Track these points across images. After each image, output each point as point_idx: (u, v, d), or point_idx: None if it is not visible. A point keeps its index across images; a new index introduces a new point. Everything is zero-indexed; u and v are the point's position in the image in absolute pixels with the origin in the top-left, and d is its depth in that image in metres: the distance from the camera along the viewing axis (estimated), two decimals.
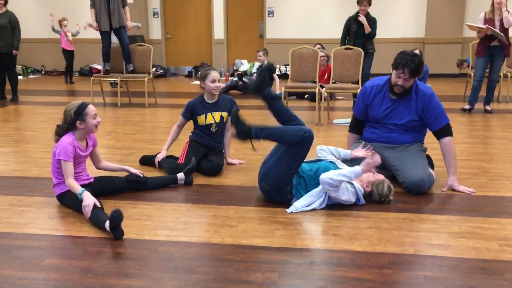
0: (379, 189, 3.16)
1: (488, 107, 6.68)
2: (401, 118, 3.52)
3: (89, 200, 2.89)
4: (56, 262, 2.43)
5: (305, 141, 3.07)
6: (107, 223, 2.72)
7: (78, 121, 3.09)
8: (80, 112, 3.09)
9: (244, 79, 8.90)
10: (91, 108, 3.14)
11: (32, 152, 4.61)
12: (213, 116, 4.01)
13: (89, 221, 2.89)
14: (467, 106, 6.66)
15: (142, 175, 3.44)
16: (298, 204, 3.08)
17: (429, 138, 3.76)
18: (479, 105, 6.79)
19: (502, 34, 6.17)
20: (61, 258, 2.47)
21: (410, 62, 3.27)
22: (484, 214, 3.01)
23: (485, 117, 6.36)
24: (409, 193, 3.40)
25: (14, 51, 7.63)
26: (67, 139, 3.09)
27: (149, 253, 2.52)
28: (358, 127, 3.79)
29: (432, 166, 3.76)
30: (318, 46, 8.79)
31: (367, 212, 3.05)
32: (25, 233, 2.77)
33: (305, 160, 3.25)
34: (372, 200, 3.19)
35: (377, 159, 3.14)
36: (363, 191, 3.15)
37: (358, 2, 6.79)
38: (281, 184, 3.13)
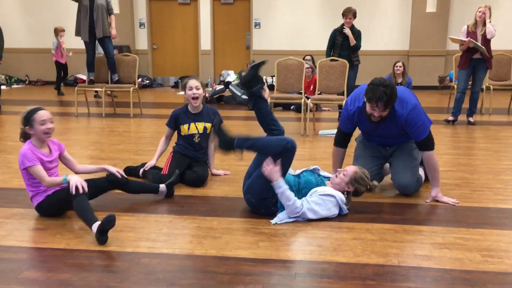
0: (360, 181, 3.17)
1: (471, 119, 6.76)
2: (390, 132, 3.56)
3: (75, 178, 2.94)
4: (35, 275, 2.37)
5: (288, 151, 3.07)
6: (95, 225, 2.71)
7: (27, 127, 3.03)
8: (28, 117, 3.03)
9: (230, 87, 8.87)
10: (39, 114, 3.03)
11: (13, 163, 4.53)
12: (196, 126, 3.99)
13: (76, 207, 2.89)
14: (450, 118, 6.74)
15: (120, 175, 3.31)
16: (282, 216, 3.07)
17: None
18: (462, 117, 6.87)
19: (483, 47, 6.27)
20: (40, 271, 2.42)
21: (382, 95, 3.13)
22: (467, 225, 3.03)
23: (468, 128, 6.43)
24: (395, 200, 3.41)
25: None
26: (24, 146, 3.04)
27: (130, 265, 2.48)
28: (343, 140, 3.74)
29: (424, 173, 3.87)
30: (308, 57, 8.83)
31: (351, 223, 3.05)
32: (3, 246, 2.71)
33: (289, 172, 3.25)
34: (360, 193, 3.24)
35: (272, 168, 3.03)
36: (344, 199, 3.14)
37: (343, 15, 6.86)
38: (266, 196, 3.11)
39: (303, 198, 3.09)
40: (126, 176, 3.41)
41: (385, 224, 3.03)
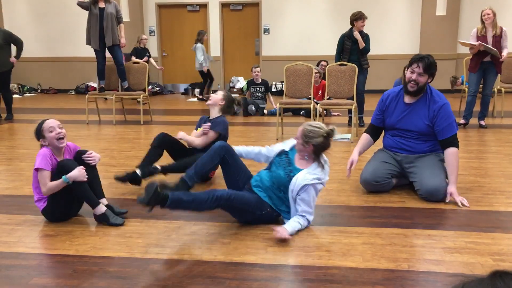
0: (311, 134, 2.98)
1: (482, 122, 6.69)
2: (415, 125, 3.62)
3: (75, 173, 2.98)
4: (45, 281, 2.39)
5: (229, 198, 2.91)
6: (99, 207, 3.06)
7: (40, 140, 3.12)
8: (38, 131, 3.12)
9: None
10: (46, 123, 3.10)
11: (25, 170, 4.58)
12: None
13: (81, 193, 3.06)
14: (462, 121, 6.68)
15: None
16: (290, 228, 2.92)
17: None
18: (474, 120, 6.80)
19: (494, 49, 6.21)
20: (49, 277, 2.43)
21: (425, 57, 3.52)
22: (478, 229, 2.99)
23: (480, 132, 6.37)
24: (405, 205, 3.38)
25: (13, 59, 7.59)
26: (44, 149, 3.10)
27: (139, 271, 2.48)
28: (373, 132, 3.91)
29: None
30: (324, 63, 8.76)
31: (360, 228, 3.03)
32: (14, 252, 2.73)
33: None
34: (327, 146, 3.04)
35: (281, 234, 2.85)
36: (315, 175, 2.99)
37: (357, 19, 6.82)
38: (255, 217, 3.05)
39: (297, 214, 2.99)
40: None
41: (394, 229, 3.01)
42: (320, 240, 2.86)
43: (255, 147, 3.38)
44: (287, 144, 3.26)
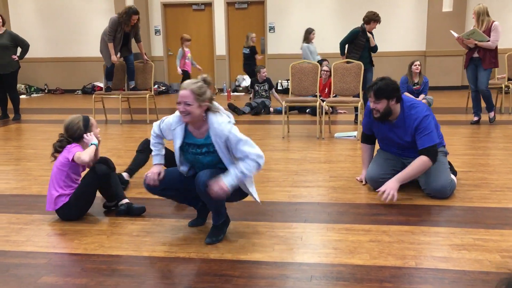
0: (201, 90, 2.72)
1: (491, 114, 6.63)
2: (401, 139, 3.59)
3: (93, 138, 3.26)
4: (53, 280, 2.40)
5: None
6: (124, 201, 3.30)
7: (85, 133, 3.26)
8: (87, 124, 3.29)
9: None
10: (92, 120, 3.36)
11: (33, 170, 4.61)
12: None
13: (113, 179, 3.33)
14: (475, 118, 6.63)
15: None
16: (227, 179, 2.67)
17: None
18: (485, 116, 6.75)
19: (480, 33, 6.17)
20: (58, 275, 2.45)
21: (373, 85, 3.44)
22: (486, 226, 2.97)
23: (488, 128, 6.32)
24: (412, 202, 3.38)
25: (15, 56, 7.62)
26: (73, 145, 3.23)
27: (146, 269, 2.49)
28: (368, 139, 3.92)
29: (454, 172, 3.86)
30: (326, 62, 8.73)
31: (367, 225, 3.02)
32: (22, 251, 2.75)
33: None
34: (212, 98, 2.78)
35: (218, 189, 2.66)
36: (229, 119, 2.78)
37: (376, 20, 6.82)
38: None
39: (240, 161, 2.71)
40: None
41: (402, 226, 3.00)
42: (327, 237, 2.86)
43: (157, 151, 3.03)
44: (169, 124, 2.90)
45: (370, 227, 3.00)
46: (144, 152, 3.99)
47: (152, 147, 3.01)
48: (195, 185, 2.75)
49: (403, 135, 3.54)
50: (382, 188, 3.40)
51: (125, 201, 3.32)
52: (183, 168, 2.96)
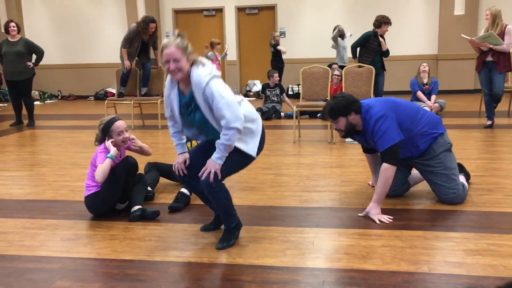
0: (184, 41, 2.68)
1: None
2: (373, 145, 3.46)
3: (112, 149, 3.29)
4: (67, 284, 2.43)
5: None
6: (137, 207, 3.30)
7: (105, 138, 3.32)
8: (106, 129, 3.32)
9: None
10: (116, 125, 3.32)
11: (47, 175, 4.66)
12: (191, 144, 4.06)
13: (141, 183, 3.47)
14: (488, 122, 6.57)
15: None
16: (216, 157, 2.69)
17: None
18: (499, 120, 6.68)
19: (496, 36, 6.10)
20: (71, 280, 2.47)
21: (326, 106, 3.37)
22: (500, 231, 2.94)
23: (501, 132, 6.26)
24: (425, 207, 3.35)
25: (30, 63, 7.71)
26: (102, 152, 3.30)
27: (159, 274, 2.50)
28: (367, 148, 3.72)
29: (467, 175, 3.81)
30: (335, 65, 8.84)
31: (379, 230, 3.00)
32: (37, 256, 2.78)
33: None
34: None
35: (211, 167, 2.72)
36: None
37: (387, 23, 6.87)
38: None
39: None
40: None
41: (415, 231, 2.98)
42: (339, 242, 2.85)
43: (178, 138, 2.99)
44: (166, 96, 2.87)
45: (383, 232, 2.98)
46: (151, 171, 4.03)
47: (172, 139, 2.97)
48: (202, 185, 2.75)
49: (371, 142, 3.41)
50: (363, 214, 3.26)
51: (138, 206, 3.34)
52: (187, 132, 2.94)
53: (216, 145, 2.69)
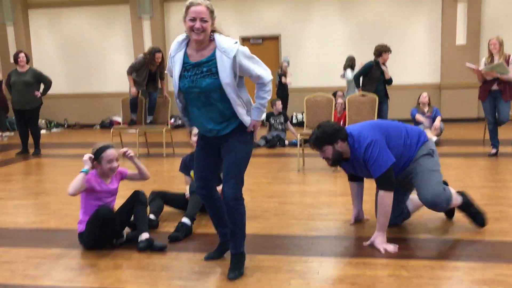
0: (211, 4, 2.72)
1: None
2: (362, 172, 3.44)
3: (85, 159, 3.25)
4: None
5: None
6: (144, 234, 3.25)
7: (95, 162, 3.31)
8: (97, 155, 3.31)
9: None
10: (108, 153, 3.31)
11: (51, 204, 4.67)
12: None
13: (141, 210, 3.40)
14: (492, 151, 6.57)
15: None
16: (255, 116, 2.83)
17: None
18: (504, 149, 6.68)
19: (505, 66, 6.14)
20: None
21: (311, 136, 3.38)
22: (507, 261, 2.91)
23: (506, 160, 6.25)
24: (430, 236, 3.32)
25: (37, 93, 7.80)
26: (90, 175, 3.29)
27: None
28: (351, 176, 3.70)
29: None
30: (340, 93, 8.98)
31: (385, 260, 2.98)
32: (40, 285, 2.77)
33: None
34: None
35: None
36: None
37: (387, 50, 7.01)
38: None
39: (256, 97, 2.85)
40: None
41: (420, 260, 2.95)
42: (344, 272, 2.82)
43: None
44: (170, 56, 2.84)
45: (388, 261, 2.95)
46: (156, 199, 4.02)
47: (183, 119, 2.95)
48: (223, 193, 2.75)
49: (363, 169, 3.37)
50: (369, 243, 3.23)
51: (145, 236, 3.29)
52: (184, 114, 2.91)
53: (255, 106, 2.82)
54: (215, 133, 2.79)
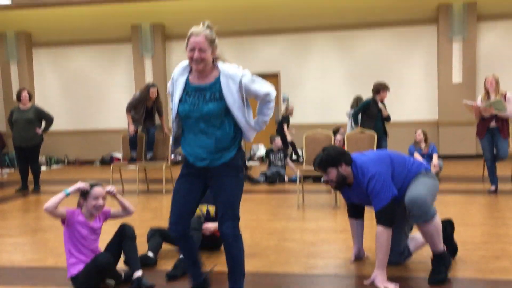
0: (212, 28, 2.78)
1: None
2: (362, 200, 3.47)
3: (76, 185, 3.28)
4: None
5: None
6: (138, 272, 3.23)
7: (81, 198, 3.33)
8: (85, 192, 3.33)
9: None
10: (95, 190, 3.33)
11: (49, 241, 4.64)
12: (200, 210, 4.01)
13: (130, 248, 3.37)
14: (492, 188, 6.56)
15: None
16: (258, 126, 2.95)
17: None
18: (504, 186, 6.68)
19: (503, 103, 6.21)
20: None
21: (315, 161, 3.45)
22: None
23: (506, 197, 6.24)
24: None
25: (39, 130, 7.86)
26: (75, 212, 3.33)
27: None
28: (352, 210, 3.69)
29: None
30: (342, 130, 9.01)
31: None
32: None
33: None
34: None
35: None
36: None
37: (385, 88, 7.13)
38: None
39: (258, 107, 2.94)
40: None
41: None
42: None
43: None
44: (173, 80, 2.88)
45: None
46: (154, 236, 4.00)
47: (171, 145, 2.93)
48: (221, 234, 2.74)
49: (365, 198, 3.37)
50: (369, 281, 3.21)
51: (137, 274, 3.25)
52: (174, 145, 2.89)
53: (258, 120, 2.90)
54: (207, 162, 2.75)
